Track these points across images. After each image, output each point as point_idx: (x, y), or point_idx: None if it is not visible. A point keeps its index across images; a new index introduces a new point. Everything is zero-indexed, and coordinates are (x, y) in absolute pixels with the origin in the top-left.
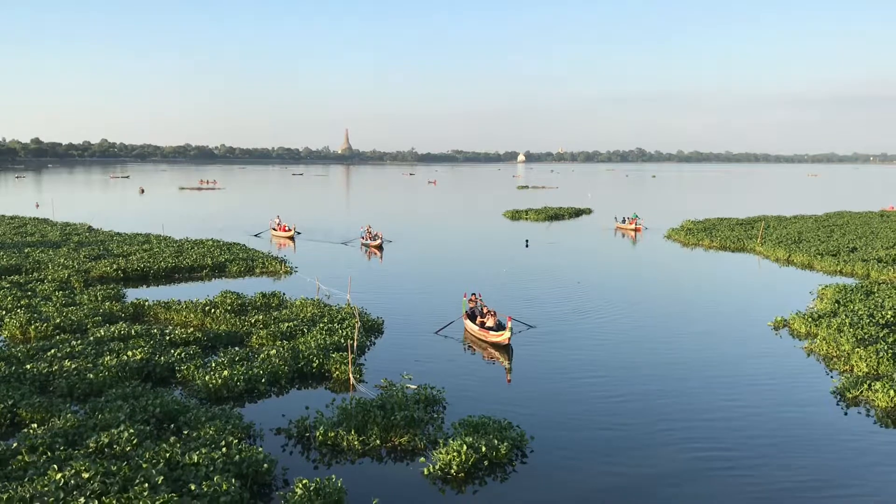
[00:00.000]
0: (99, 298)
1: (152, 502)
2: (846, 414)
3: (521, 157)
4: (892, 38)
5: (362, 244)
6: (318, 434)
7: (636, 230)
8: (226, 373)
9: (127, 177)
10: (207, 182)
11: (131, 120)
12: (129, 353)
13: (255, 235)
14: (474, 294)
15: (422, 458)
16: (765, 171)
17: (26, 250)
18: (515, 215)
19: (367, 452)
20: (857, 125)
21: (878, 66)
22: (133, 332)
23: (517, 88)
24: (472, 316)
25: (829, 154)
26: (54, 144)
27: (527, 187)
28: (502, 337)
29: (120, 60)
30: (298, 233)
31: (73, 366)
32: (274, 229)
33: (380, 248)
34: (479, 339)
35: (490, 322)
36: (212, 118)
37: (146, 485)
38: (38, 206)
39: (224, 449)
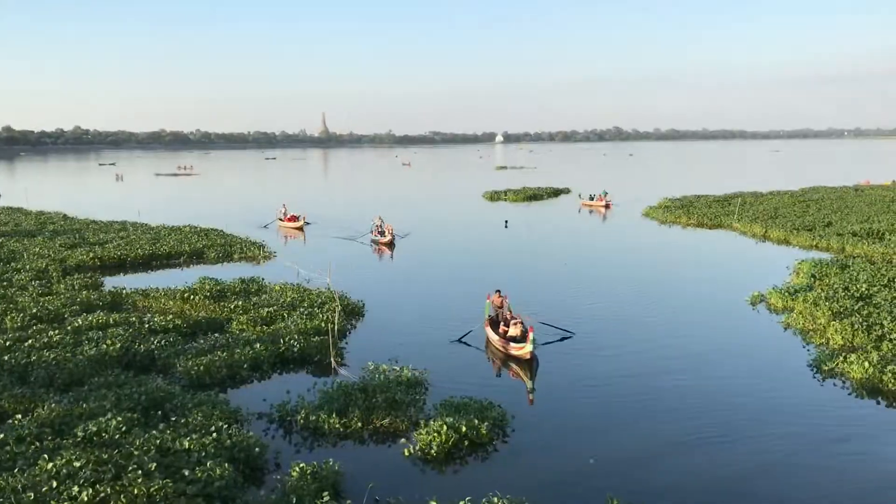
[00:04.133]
0: (76, 287)
1: (147, 489)
2: (822, 385)
3: (499, 138)
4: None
5: (371, 240)
6: (299, 418)
7: (606, 206)
8: (207, 359)
9: (113, 164)
10: (184, 168)
11: (104, 106)
12: (109, 341)
13: (264, 227)
14: (498, 292)
15: (403, 440)
16: (733, 149)
17: (0, 240)
18: (494, 196)
19: (349, 435)
20: (831, 102)
21: (850, 46)
22: (112, 320)
23: (493, 69)
24: (494, 322)
25: (804, 130)
26: (26, 132)
27: (505, 168)
28: (522, 350)
29: (90, 44)
30: (308, 223)
31: (52, 356)
32: (280, 219)
33: (390, 245)
34: (501, 351)
35: (514, 331)
36: (186, 103)
37: (139, 472)
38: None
39: (215, 434)
